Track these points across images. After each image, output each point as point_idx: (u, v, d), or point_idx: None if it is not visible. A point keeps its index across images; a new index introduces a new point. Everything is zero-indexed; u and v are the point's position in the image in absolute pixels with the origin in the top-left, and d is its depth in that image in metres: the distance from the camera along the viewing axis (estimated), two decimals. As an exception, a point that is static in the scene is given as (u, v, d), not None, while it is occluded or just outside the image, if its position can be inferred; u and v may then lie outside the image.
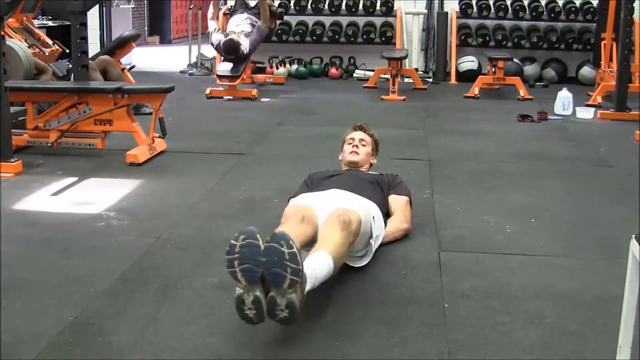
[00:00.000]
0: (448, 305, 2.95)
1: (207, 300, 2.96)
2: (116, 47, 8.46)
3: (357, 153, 4.09)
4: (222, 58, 9.23)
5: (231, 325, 2.72)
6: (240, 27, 9.12)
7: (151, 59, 13.87)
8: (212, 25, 9.26)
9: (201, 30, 12.34)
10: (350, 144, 4.14)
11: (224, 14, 10.33)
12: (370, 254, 3.37)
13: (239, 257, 2.57)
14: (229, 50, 8.80)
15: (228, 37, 8.82)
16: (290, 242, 2.55)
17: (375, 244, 3.41)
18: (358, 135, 4.17)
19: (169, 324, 2.74)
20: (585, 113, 7.96)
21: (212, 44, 9.29)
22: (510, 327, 2.77)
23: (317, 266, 2.78)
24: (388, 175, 4.05)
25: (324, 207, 3.21)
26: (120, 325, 2.71)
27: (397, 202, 3.86)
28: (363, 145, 4.12)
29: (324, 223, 3.07)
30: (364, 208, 3.33)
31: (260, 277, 2.55)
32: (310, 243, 3.00)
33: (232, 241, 2.60)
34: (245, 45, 8.87)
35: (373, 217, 3.40)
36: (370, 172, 4.06)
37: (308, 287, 2.68)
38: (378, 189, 3.83)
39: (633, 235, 2.14)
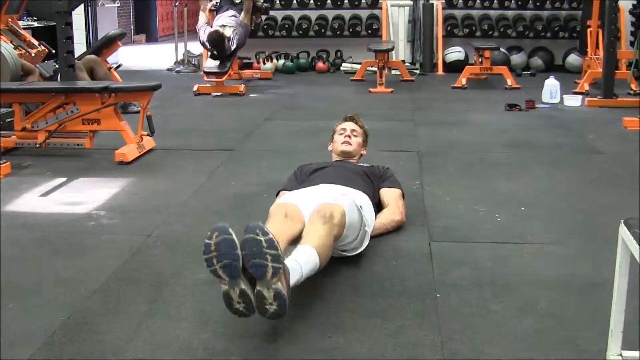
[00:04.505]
0: (440, 295, 2.95)
1: (199, 297, 2.96)
2: (102, 47, 8.43)
3: (349, 143, 4.10)
4: (209, 54, 9.21)
5: (223, 321, 2.72)
6: (225, 22, 9.08)
7: (138, 57, 13.85)
8: (202, 18, 9.21)
9: (187, 28, 12.31)
10: (341, 134, 4.15)
11: (210, 10, 10.30)
12: (366, 241, 3.37)
13: (216, 254, 2.56)
14: (214, 42, 8.76)
15: (213, 29, 8.81)
16: (265, 229, 2.55)
17: (367, 232, 3.41)
18: (349, 125, 4.18)
19: (161, 322, 2.74)
20: (573, 101, 7.99)
21: (200, 40, 9.25)
22: (502, 316, 2.78)
23: (301, 259, 2.78)
24: (379, 167, 4.06)
25: (309, 205, 3.19)
26: (113, 324, 2.71)
27: (389, 194, 3.87)
28: (355, 135, 4.14)
29: (308, 221, 3.07)
30: (348, 199, 3.32)
31: (242, 269, 2.54)
32: (296, 239, 2.99)
33: (206, 240, 2.58)
34: (231, 38, 8.83)
35: (360, 207, 3.39)
36: (360, 164, 4.07)
37: (293, 280, 2.67)
38: (368, 181, 3.83)
39: (622, 221, 2.15)
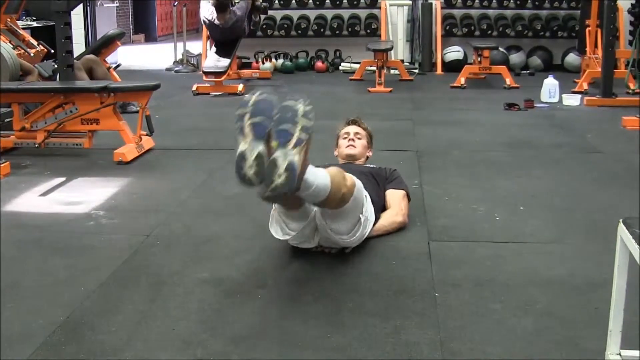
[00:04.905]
0: (439, 295, 2.95)
1: (198, 296, 2.96)
2: (101, 46, 8.44)
3: (354, 146, 4.12)
4: (213, 45, 9.19)
5: (223, 321, 2.72)
6: None
7: (137, 57, 13.85)
8: None
9: (186, 27, 12.31)
10: (345, 138, 4.17)
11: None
12: (360, 231, 3.33)
13: (252, 109, 2.59)
14: (220, 4, 8.72)
15: None
16: (308, 101, 2.56)
17: (365, 226, 3.39)
18: (352, 129, 4.19)
19: (160, 321, 2.74)
20: (572, 100, 7.99)
21: (202, 16, 9.20)
22: (501, 315, 2.78)
23: (314, 171, 2.82)
24: (386, 169, 4.05)
25: None
26: (112, 324, 2.71)
27: (393, 196, 3.86)
28: (359, 138, 4.15)
29: None
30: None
31: (267, 135, 2.57)
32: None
33: (245, 96, 2.64)
34: (234, 8, 8.82)
35: (365, 196, 3.39)
36: (367, 165, 4.08)
37: (308, 175, 2.73)
38: (374, 182, 3.82)
39: (621, 220, 2.15)
